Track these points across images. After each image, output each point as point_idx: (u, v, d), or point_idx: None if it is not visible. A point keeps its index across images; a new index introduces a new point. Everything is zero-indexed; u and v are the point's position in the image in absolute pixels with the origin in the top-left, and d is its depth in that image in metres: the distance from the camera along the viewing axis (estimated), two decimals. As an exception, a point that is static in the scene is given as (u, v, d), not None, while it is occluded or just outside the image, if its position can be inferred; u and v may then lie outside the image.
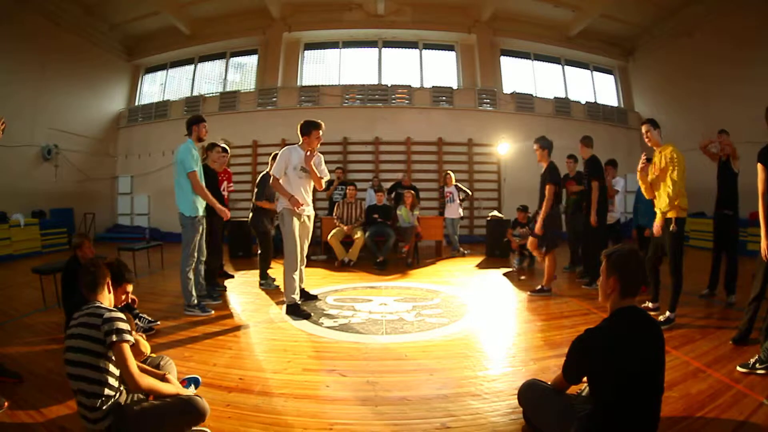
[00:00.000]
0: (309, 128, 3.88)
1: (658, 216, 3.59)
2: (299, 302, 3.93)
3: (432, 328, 3.48)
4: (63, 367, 1.70)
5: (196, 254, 3.94)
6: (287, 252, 3.84)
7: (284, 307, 3.91)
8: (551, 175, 4.44)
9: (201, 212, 3.97)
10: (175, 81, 11.26)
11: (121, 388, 1.75)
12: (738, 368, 2.58)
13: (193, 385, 2.30)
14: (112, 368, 1.70)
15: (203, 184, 4.00)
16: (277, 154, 5.37)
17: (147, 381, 1.74)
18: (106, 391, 1.67)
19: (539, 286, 4.61)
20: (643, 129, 3.71)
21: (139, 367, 1.82)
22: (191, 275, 3.90)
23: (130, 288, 2.36)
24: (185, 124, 4.06)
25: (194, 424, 1.81)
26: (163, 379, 1.92)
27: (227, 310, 4.11)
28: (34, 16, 8.25)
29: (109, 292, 1.93)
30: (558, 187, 4.53)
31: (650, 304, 3.92)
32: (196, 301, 3.91)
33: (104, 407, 1.66)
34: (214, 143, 4.91)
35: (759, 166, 2.79)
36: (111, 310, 1.77)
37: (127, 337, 1.70)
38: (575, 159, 5.71)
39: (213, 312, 3.92)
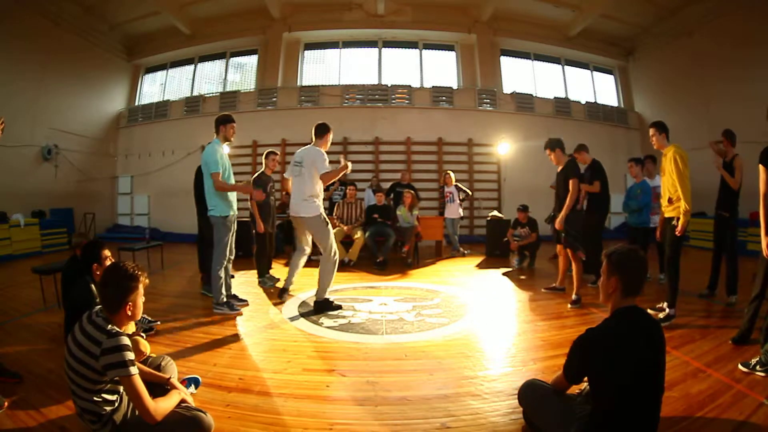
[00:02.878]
0: (327, 130, 4.10)
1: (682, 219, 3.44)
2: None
3: (432, 328, 3.48)
4: (63, 370, 1.69)
5: (227, 253, 4.02)
6: (333, 253, 3.98)
7: (314, 303, 4.05)
8: (574, 170, 4.22)
9: (232, 212, 4.04)
10: (175, 81, 11.26)
11: (120, 401, 1.71)
12: (739, 366, 2.59)
13: (193, 385, 2.30)
14: (109, 386, 1.66)
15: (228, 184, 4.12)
16: (271, 152, 5.38)
17: (162, 410, 1.66)
18: (105, 408, 1.65)
19: (575, 296, 4.19)
20: (650, 132, 3.73)
21: (142, 372, 1.77)
22: (222, 274, 3.97)
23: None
24: (214, 123, 4.11)
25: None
26: (167, 383, 1.89)
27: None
28: (34, 16, 8.25)
29: (130, 311, 1.72)
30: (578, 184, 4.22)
31: (664, 304, 3.84)
32: (225, 299, 3.98)
33: (103, 421, 1.65)
34: None
35: (760, 167, 2.78)
36: (112, 336, 1.60)
37: (132, 369, 1.59)
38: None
39: (241, 311, 3.98)
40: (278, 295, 4.46)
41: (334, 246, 4.02)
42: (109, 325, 1.64)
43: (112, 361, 1.56)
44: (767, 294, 2.90)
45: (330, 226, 4.07)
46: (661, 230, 3.91)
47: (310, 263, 6.65)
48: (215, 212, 3.95)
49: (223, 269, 3.97)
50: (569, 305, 4.13)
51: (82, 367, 1.59)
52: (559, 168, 4.31)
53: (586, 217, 5.17)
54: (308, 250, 4.36)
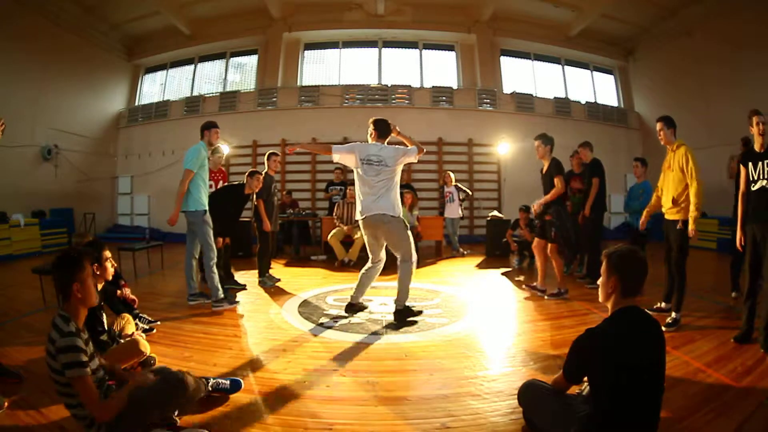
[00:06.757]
0: (389, 129, 4.08)
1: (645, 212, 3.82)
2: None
3: (432, 328, 3.48)
4: None
5: (214, 247, 4.14)
6: (411, 257, 3.69)
7: (395, 313, 3.69)
8: (558, 169, 4.37)
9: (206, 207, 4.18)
10: (175, 81, 11.27)
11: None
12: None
13: (231, 384, 2.29)
14: None
15: (206, 186, 4.30)
16: (273, 153, 5.37)
17: (112, 405, 1.63)
18: (84, 411, 1.64)
19: (556, 290, 4.41)
20: (657, 127, 3.67)
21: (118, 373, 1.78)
22: (215, 269, 4.07)
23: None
24: (199, 129, 4.27)
25: (180, 394, 1.75)
26: (133, 346, 1.89)
27: (227, 310, 4.10)
28: (35, 16, 8.25)
29: (80, 294, 1.66)
30: (564, 182, 4.41)
31: (663, 304, 3.84)
32: (223, 295, 4.06)
33: (96, 425, 1.65)
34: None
35: (740, 167, 3.10)
36: (65, 335, 1.58)
37: (80, 371, 1.55)
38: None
39: (239, 302, 4.14)
40: (346, 309, 3.89)
41: (413, 249, 3.74)
42: (66, 324, 1.62)
43: (66, 361, 1.56)
44: (760, 289, 2.93)
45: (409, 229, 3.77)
46: (665, 232, 3.73)
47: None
48: (192, 207, 4.18)
49: (215, 264, 4.15)
50: (546, 296, 4.40)
51: (50, 371, 1.60)
52: (545, 166, 4.49)
53: (583, 217, 5.19)
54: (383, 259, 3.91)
